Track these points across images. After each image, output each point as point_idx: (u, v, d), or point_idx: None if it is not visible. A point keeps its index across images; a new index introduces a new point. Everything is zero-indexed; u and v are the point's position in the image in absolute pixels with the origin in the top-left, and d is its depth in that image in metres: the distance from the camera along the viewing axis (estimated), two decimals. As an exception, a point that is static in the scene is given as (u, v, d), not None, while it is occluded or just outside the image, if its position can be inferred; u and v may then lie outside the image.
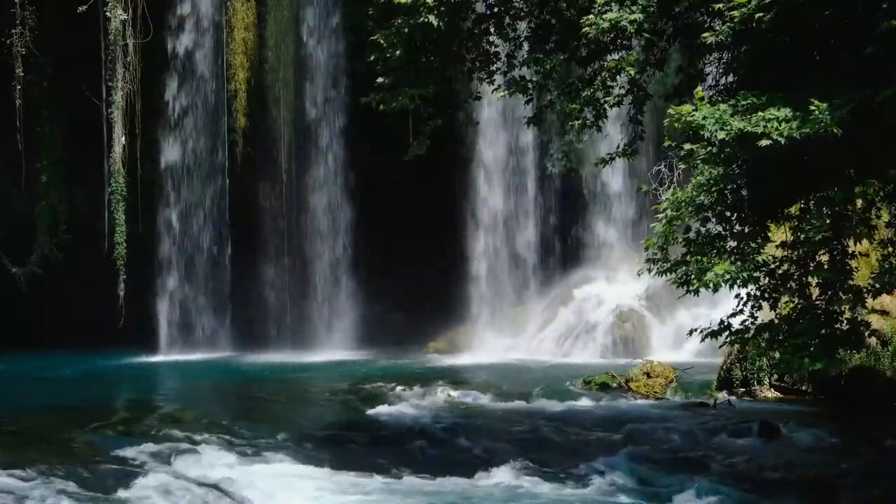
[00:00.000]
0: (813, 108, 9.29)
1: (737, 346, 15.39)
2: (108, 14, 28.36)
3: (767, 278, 10.78)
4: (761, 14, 9.89)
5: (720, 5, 10.43)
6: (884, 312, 17.22)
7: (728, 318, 11.25)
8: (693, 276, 10.36)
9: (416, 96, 13.02)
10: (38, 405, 19.38)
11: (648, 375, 19.57)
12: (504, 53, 13.67)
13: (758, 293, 11.02)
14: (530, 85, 13.20)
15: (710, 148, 10.03)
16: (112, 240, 29.36)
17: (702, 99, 10.21)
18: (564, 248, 30.22)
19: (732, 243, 10.64)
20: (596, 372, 20.75)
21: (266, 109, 30.82)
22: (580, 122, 12.69)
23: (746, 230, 10.74)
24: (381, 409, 17.60)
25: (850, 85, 9.50)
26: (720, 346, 13.24)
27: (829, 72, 10.09)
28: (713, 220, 10.59)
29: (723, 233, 10.73)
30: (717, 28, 10.60)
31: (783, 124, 9.40)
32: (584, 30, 11.50)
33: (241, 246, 30.64)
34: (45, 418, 17.17)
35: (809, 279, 10.71)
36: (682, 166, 10.93)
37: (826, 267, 10.43)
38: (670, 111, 10.32)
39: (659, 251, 10.73)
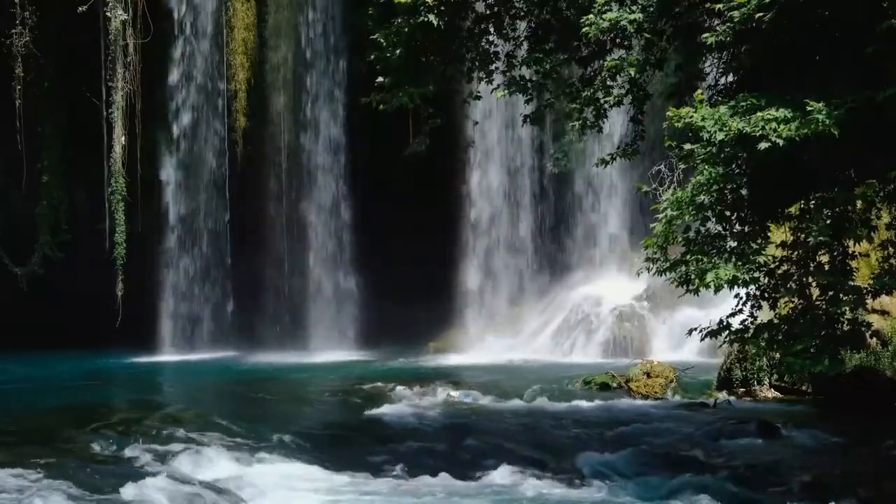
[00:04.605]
0: (810, 108, 9.29)
1: (737, 346, 15.40)
2: (108, 14, 28.40)
3: (767, 278, 10.78)
4: (761, 14, 9.89)
5: (720, 5, 10.43)
6: (884, 313, 17.27)
7: (728, 317, 11.25)
8: (693, 276, 10.36)
9: (416, 95, 13.02)
10: (38, 405, 19.39)
11: (648, 375, 19.55)
12: (504, 53, 13.67)
13: (757, 293, 11.02)
14: (530, 85, 13.20)
15: (709, 148, 10.03)
16: (112, 240, 29.39)
17: (701, 101, 10.21)
18: (564, 248, 30.21)
19: (732, 243, 10.64)
20: (596, 372, 20.73)
21: (266, 109, 30.83)
22: (580, 122, 12.70)
23: (746, 230, 10.73)
24: (381, 409, 17.58)
25: (850, 85, 9.50)
26: (720, 346, 13.25)
27: (829, 72, 10.09)
28: (713, 219, 10.59)
29: (723, 232, 10.73)
30: (717, 28, 10.60)
31: (782, 126, 9.41)
32: (584, 30, 11.51)
33: (242, 246, 30.65)
34: (45, 418, 17.17)
35: (810, 279, 10.71)
36: (682, 166, 10.92)
37: (827, 269, 10.43)
38: (670, 112, 10.32)
39: (659, 251, 10.73)
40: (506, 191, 30.07)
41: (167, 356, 29.33)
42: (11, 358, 25.53)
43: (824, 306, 10.54)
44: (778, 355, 14.73)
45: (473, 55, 13.63)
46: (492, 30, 13.57)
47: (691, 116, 10.10)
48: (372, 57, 12.98)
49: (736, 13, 10.10)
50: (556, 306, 28.49)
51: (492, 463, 13.46)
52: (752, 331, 11.06)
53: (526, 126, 15.84)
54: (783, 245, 10.95)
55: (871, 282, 10.44)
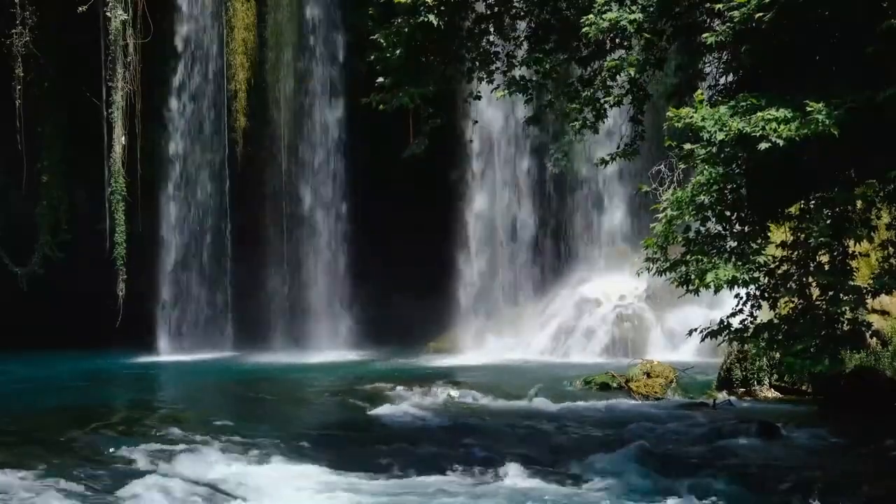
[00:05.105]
0: (810, 108, 9.30)
1: (737, 345, 15.41)
2: (108, 14, 28.39)
3: (767, 278, 10.79)
4: (761, 14, 9.90)
5: (720, 5, 10.44)
6: (884, 313, 17.28)
7: (728, 317, 11.25)
8: (693, 276, 10.36)
9: (416, 95, 13.03)
10: (38, 405, 19.41)
11: (648, 375, 19.55)
12: (504, 53, 13.68)
13: (757, 293, 11.02)
14: (530, 85, 13.21)
15: (709, 148, 10.04)
16: (112, 240, 29.39)
17: (701, 101, 10.21)
18: (564, 248, 30.22)
19: (732, 243, 10.64)
20: (596, 372, 20.75)
21: (266, 109, 30.83)
22: (580, 122, 12.70)
23: (746, 230, 10.74)
24: (381, 409, 17.59)
25: (850, 85, 9.50)
26: (719, 346, 13.24)
27: (829, 72, 10.10)
28: (713, 219, 10.59)
29: (723, 232, 10.73)
30: (717, 28, 10.60)
31: (782, 126, 9.41)
32: (584, 30, 11.52)
33: (241, 246, 30.65)
34: (45, 418, 17.19)
35: (810, 279, 10.71)
36: (682, 166, 10.93)
37: (827, 269, 10.43)
38: (670, 113, 10.33)
39: (659, 251, 10.73)
40: (505, 191, 30.07)
41: (167, 356, 29.33)
42: (11, 358, 25.53)
43: (824, 306, 10.54)
44: (778, 355, 14.73)
45: (473, 55, 13.64)
46: (492, 30, 13.58)
47: (691, 116, 10.10)
48: (372, 57, 12.98)
49: (736, 13, 10.10)
50: (555, 306, 28.49)
51: (492, 463, 13.45)
52: (751, 331, 11.06)
53: (526, 126, 15.88)
54: (783, 245, 10.95)
55: (871, 282, 10.44)
